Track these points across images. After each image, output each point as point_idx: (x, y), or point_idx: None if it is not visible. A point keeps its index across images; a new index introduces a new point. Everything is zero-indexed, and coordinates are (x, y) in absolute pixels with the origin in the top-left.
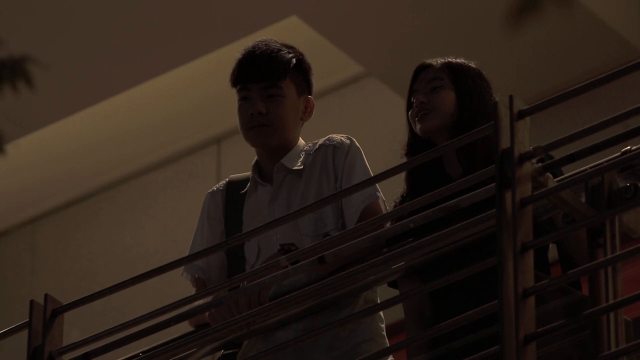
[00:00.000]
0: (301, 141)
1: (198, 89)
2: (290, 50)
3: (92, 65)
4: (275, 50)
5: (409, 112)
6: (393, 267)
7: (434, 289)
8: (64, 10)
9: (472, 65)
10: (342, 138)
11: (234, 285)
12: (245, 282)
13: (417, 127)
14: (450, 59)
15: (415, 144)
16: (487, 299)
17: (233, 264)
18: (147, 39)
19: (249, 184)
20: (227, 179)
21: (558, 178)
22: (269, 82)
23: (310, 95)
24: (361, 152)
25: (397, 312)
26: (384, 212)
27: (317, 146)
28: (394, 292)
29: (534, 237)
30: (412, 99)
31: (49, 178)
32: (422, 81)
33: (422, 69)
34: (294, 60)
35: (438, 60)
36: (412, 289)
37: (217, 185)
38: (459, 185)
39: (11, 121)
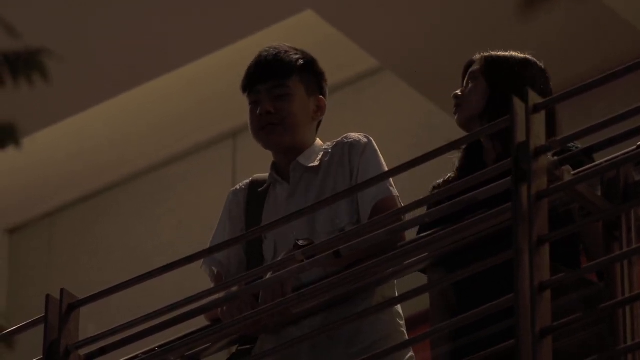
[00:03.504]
0: (319, 141)
1: (213, 83)
2: (299, 53)
3: (108, 59)
4: (282, 51)
5: None
6: (408, 261)
7: (451, 282)
8: (81, 1)
9: (518, 55)
10: (360, 136)
11: (250, 279)
12: (270, 274)
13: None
14: (492, 53)
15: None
16: (507, 291)
17: (252, 262)
18: (162, 33)
19: (267, 183)
20: (250, 178)
21: (578, 170)
22: (275, 81)
23: (322, 96)
24: (377, 151)
25: (416, 305)
26: (398, 207)
27: (334, 144)
28: (411, 286)
29: (553, 228)
30: None
31: (65, 173)
32: (465, 76)
33: (468, 65)
34: (300, 61)
35: (480, 55)
36: (435, 279)
37: (240, 184)
38: (473, 179)
39: (27, 115)
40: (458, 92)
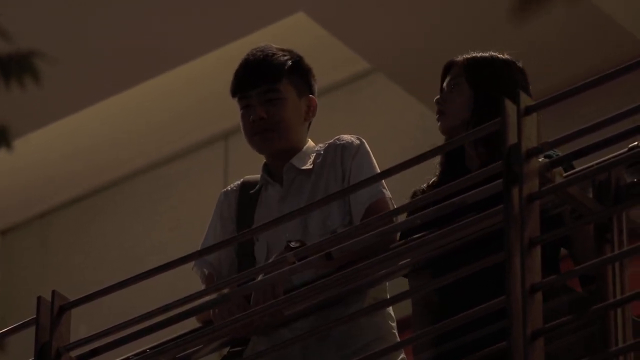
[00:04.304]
0: (310, 142)
1: (205, 85)
2: (286, 54)
3: (100, 61)
4: (270, 54)
5: None
6: (400, 263)
7: (443, 284)
8: (73, 4)
9: (502, 57)
10: (352, 138)
11: (241, 281)
12: (262, 276)
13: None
14: (473, 54)
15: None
16: (493, 293)
17: (244, 264)
18: (154, 35)
19: (259, 185)
20: (241, 180)
21: (569, 172)
22: (265, 86)
23: (312, 95)
24: (370, 153)
25: (407, 308)
26: (391, 209)
27: (326, 146)
28: (404, 288)
29: (543, 231)
30: None
31: (58, 174)
32: (446, 80)
33: (448, 68)
34: (289, 62)
35: (461, 57)
36: (420, 284)
37: (231, 185)
38: (465, 181)
39: (19, 117)
40: (439, 99)
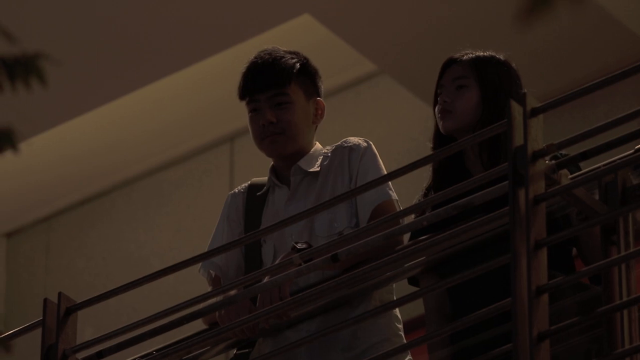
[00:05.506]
0: (318, 145)
1: (211, 87)
2: (294, 56)
3: (105, 64)
4: (278, 57)
5: (435, 108)
6: (406, 265)
7: (449, 286)
8: (78, 6)
9: (501, 57)
10: (359, 140)
11: (248, 283)
12: (268, 278)
13: (440, 125)
14: (478, 54)
15: (440, 138)
16: (502, 294)
17: (251, 266)
18: (159, 37)
19: (266, 187)
20: (249, 182)
21: (574, 175)
22: (275, 90)
23: (319, 97)
24: (377, 156)
25: (413, 309)
26: (397, 210)
27: (333, 148)
28: (410, 290)
29: (550, 233)
30: (438, 93)
31: (63, 176)
32: (448, 77)
33: (450, 64)
34: (297, 65)
35: (465, 56)
36: (427, 286)
37: (239, 187)
38: (471, 183)
39: (25, 119)
40: (446, 98)
